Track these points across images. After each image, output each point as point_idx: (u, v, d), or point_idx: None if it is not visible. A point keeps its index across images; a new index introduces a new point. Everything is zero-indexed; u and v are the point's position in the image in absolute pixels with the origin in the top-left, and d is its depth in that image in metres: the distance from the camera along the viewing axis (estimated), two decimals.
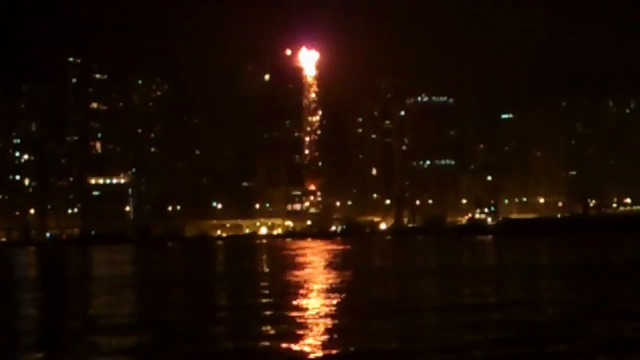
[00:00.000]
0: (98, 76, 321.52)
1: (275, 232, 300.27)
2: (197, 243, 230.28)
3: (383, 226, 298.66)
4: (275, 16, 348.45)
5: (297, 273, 60.81)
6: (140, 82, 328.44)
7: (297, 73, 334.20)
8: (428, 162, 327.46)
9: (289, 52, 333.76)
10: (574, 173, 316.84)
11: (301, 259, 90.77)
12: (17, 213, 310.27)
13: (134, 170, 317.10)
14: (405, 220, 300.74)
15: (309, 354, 23.26)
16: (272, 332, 27.67)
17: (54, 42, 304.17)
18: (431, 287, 48.03)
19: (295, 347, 24.15)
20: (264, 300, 38.73)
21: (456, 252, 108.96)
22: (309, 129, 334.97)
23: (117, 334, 27.49)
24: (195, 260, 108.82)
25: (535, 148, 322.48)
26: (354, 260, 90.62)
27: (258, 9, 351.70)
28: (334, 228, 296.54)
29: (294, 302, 35.99)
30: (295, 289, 44.10)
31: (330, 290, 42.84)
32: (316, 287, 45.91)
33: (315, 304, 35.08)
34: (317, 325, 28.60)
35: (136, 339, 26.66)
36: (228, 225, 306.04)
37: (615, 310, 32.30)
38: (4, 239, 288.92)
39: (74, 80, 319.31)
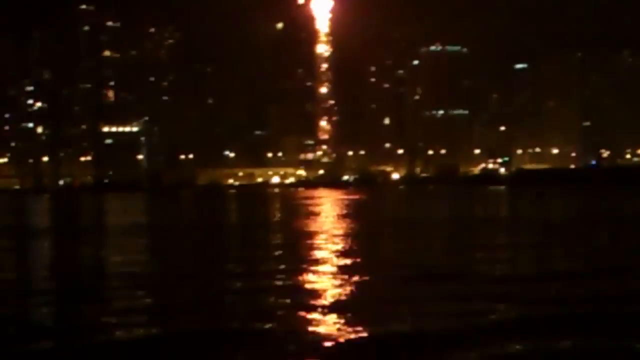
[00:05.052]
0: (110, 24, 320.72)
1: (287, 181, 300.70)
2: (209, 191, 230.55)
3: (395, 176, 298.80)
4: None
5: (307, 222, 60.77)
6: (152, 30, 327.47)
7: (310, 21, 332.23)
8: (441, 112, 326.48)
9: (301, 0, 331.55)
10: (587, 123, 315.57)
11: (313, 209, 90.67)
12: (30, 160, 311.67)
13: (146, 118, 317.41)
14: (418, 170, 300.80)
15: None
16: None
17: None
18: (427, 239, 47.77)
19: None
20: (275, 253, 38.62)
21: (469, 202, 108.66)
22: (321, 78, 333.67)
23: (126, 287, 27.40)
24: (207, 208, 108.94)
25: (548, 98, 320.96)
26: (369, 210, 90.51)
27: None
28: (346, 177, 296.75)
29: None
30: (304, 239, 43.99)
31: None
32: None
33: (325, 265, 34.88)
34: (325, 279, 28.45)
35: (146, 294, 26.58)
36: (240, 174, 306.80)
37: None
38: (17, 186, 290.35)
39: (86, 28, 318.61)
